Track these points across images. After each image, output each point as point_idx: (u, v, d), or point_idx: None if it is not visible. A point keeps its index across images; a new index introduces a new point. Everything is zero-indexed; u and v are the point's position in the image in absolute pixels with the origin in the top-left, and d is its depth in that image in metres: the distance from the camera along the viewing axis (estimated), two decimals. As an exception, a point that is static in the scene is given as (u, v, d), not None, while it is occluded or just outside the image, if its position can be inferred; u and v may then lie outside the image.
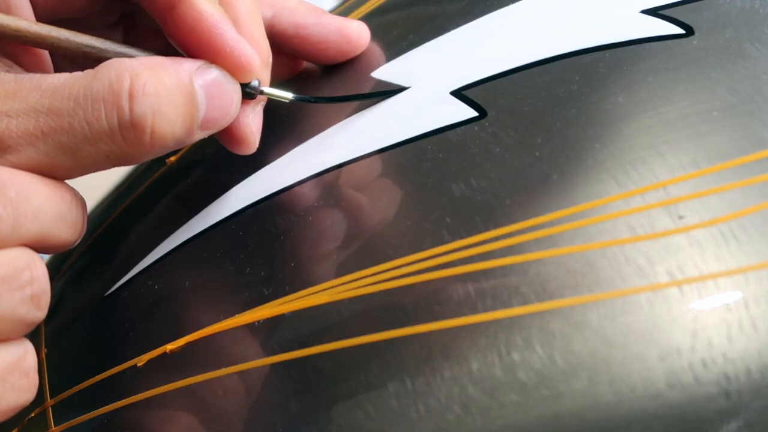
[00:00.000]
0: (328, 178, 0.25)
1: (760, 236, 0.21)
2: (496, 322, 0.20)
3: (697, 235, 0.21)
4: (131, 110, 0.20)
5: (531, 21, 0.26)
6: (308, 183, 0.25)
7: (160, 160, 0.30)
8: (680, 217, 0.21)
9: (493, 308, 0.21)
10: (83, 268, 0.30)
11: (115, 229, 0.30)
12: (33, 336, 0.23)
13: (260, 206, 0.26)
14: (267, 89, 0.25)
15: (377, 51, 0.29)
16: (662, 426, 0.19)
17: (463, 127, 0.24)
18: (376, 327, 0.21)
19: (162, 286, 0.25)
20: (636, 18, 0.25)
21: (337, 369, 0.21)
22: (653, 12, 0.25)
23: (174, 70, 0.22)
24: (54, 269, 0.32)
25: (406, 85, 0.26)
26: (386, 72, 0.27)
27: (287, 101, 0.26)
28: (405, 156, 0.24)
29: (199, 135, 0.23)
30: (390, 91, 0.26)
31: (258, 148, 0.25)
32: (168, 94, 0.21)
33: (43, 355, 0.27)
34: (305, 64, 0.30)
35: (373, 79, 0.27)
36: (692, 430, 0.19)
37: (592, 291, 0.20)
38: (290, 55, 0.29)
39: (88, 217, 0.23)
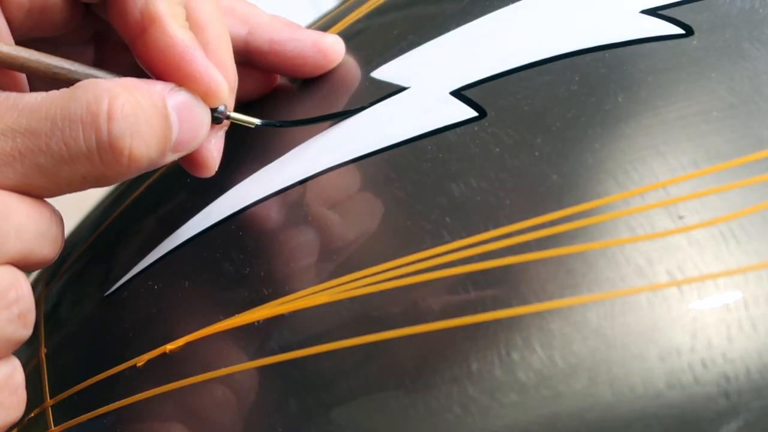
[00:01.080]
0: (328, 178, 0.25)
1: (759, 236, 0.21)
2: (496, 322, 0.20)
3: (697, 235, 0.21)
4: (109, 131, 0.20)
5: (531, 21, 0.26)
6: (308, 183, 0.25)
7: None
8: (680, 217, 0.21)
9: (493, 308, 0.20)
10: (83, 268, 0.30)
11: (114, 229, 0.30)
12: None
13: (260, 206, 0.26)
14: (234, 114, 0.25)
15: (376, 51, 0.29)
16: (662, 426, 0.19)
17: (462, 127, 0.24)
18: (375, 327, 0.21)
19: (162, 286, 0.25)
20: (636, 18, 0.25)
21: (337, 369, 0.21)
22: (653, 12, 0.25)
23: (148, 92, 0.21)
24: (53, 270, 0.32)
25: (406, 85, 0.26)
26: (386, 72, 0.27)
27: (253, 126, 0.26)
28: (405, 156, 0.24)
29: (170, 157, 0.23)
30: (354, 110, 0.26)
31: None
32: (144, 116, 0.21)
33: (43, 355, 0.27)
34: (280, 79, 0.30)
35: (373, 79, 0.27)
36: (692, 430, 0.19)
37: (592, 291, 0.20)
38: (266, 70, 0.29)
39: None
